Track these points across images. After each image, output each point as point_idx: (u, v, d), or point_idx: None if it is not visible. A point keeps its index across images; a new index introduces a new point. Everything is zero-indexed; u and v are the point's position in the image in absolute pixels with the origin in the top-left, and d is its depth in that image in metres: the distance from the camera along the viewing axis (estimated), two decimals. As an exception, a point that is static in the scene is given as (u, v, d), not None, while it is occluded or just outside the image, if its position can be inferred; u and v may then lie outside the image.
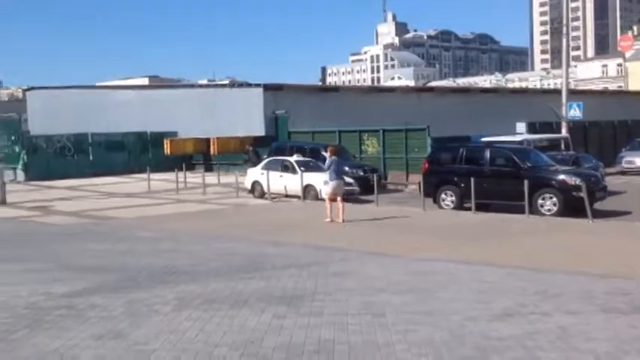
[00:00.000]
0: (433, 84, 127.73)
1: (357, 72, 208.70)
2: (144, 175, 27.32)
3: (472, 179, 17.65)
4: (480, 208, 17.82)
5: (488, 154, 19.53)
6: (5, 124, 26.78)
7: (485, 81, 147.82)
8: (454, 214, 18.17)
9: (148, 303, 8.34)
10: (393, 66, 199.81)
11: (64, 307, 8.16)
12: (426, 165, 20.72)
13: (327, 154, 18.21)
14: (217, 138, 34.01)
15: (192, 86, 53.59)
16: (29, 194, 25.39)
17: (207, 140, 34.57)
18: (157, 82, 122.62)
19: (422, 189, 20.09)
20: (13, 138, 31.80)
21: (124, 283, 9.69)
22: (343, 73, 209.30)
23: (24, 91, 61.02)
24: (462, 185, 18.78)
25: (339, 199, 16.67)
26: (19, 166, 31.72)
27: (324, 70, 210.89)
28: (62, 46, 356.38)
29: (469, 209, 17.98)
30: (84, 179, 30.16)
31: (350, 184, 22.26)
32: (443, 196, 19.55)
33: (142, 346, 6.51)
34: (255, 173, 24.06)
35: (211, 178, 28.47)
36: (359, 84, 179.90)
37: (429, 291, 8.97)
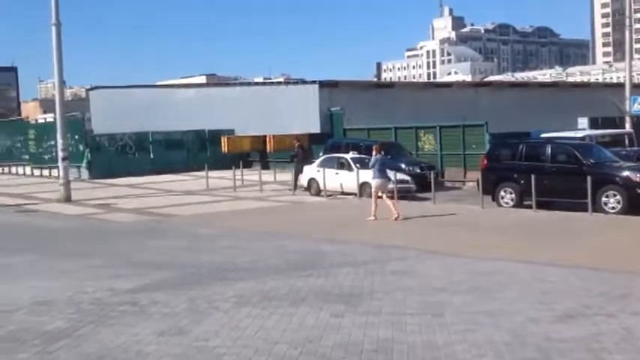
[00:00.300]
0: (491, 79, 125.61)
1: (413, 67, 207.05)
2: (202, 173, 27.75)
3: (533, 176, 17.29)
4: (541, 205, 17.45)
5: (549, 150, 19.09)
6: (70, 123, 27.52)
7: (544, 75, 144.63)
8: (514, 212, 17.83)
9: (209, 300, 8.47)
10: (449, 61, 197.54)
11: (127, 303, 8.37)
12: (485, 162, 20.38)
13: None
14: (273, 135, 34.24)
15: (248, 84, 54.11)
16: (92, 192, 26.11)
17: (264, 138, 34.83)
18: (215, 81, 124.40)
19: (480, 186, 19.78)
20: (77, 137, 32.74)
21: (184, 279, 9.87)
22: (399, 69, 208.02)
23: (87, 90, 62.73)
24: (522, 182, 18.42)
25: (384, 196, 16.74)
26: (83, 165, 32.63)
27: (379, 66, 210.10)
28: (124, 46, 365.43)
29: (529, 207, 17.63)
30: (144, 177, 30.81)
31: (406, 182, 22.12)
32: (502, 193, 19.22)
33: (203, 343, 6.62)
34: (311, 171, 24.14)
35: (268, 175, 28.71)
36: (415, 80, 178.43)
37: (489, 291, 8.84)
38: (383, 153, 17.71)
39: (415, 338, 6.66)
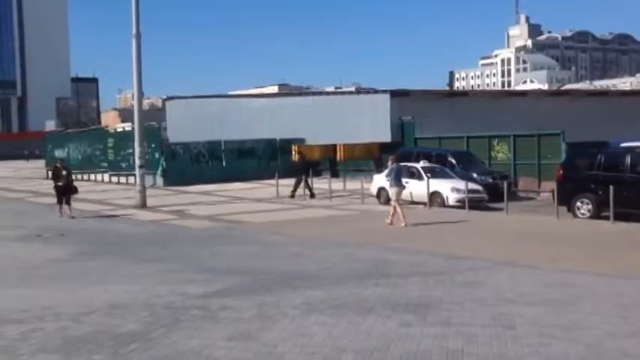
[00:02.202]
0: (568, 87, 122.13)
1: (487, 76, 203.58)
2: (273, 181, 28.05)
3: (611, 187, 16.69)
4: (620, 217, 16.80)
5: (629, 160, 18.37)
6: (147, 132, 28.38)
7: (624, 83, 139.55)
8: (591, 224, 17.24)
9: (278, 306, 8.54)
10: (525, 69, 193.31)
11: (198, 307, 8.53)
12: (561, 172, 19.80)
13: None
14: (344, 144, 34.33)
15: (320, 93, 54.47)
16: (167, 198, 26.78)
17: (334, 146, 34.97)
18: (286, 90, 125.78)
19: (556, 197, 19.21)
20: (153, 145, 33.69)
21: (254, 285, 9.99)
22: (472, 77, 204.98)
23: (163, 100, 64.53)
24: (600, 193, 17.80)
25: (393, 204, 17.62)
26: (159, 172, 33.55)
27: (451, 74, 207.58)
28: (200, 57, 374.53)
29: (607, 218, 17.01)
30: (217, 184, 31.40)
31: (478, 192, 21.75)
32: (578, 204, 18.61)
33: (271, 349, 6.67)
34: (380, 180, 24.04)
35: (337, 184, 28.75)
36: (489, 88, 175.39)
37: (562, 303, 8.57)
38: (398, 163, 18.88)
39: (486, 350, 6.51)
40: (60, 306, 8.71)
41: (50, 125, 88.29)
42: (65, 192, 21.03)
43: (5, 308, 8.59)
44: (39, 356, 6.53)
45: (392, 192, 17.96)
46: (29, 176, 48.59)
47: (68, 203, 20.94)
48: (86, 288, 10.07)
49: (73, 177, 23.55)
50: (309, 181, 25.77)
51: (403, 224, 17.06)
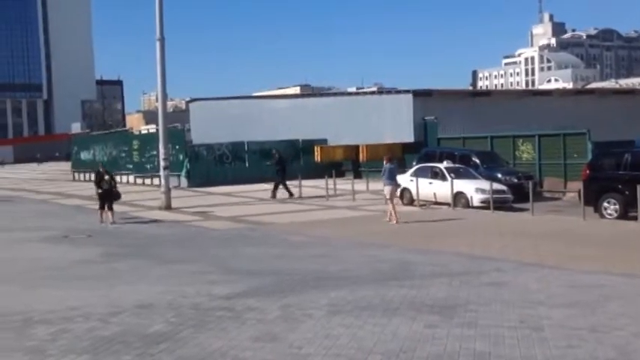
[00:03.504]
0: (593, 86, 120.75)
1: (511, 75, 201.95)
2: (295, 182, 28.10)
3: (638, 187, 16.46)
4: (647, 217, 16.57)
5: (656, 159, 18.12)
6: (171, 134, 28.59)
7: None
8: (618, 224, 17.03)
9: (302, 307, 8.55)
10: (549, 68, 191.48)
11: (224, 308, 8.58)
12: (587, 171, 19.58)
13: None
14: (366, 145, 34.29)
15: (341, 94, 54.47)
16: (191, 200, 26.96)
17: (356, 147, 34.94)
18: (308, 91, 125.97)
19: (582, 197, 19.00)
20: (177, 147, 33.94)
21: (278, 286, 10.02)
22: (495, 77, 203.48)
23: (187, 102, 64.99)
24: (627, 193, 17.56)
25: (393, 201, 18.53)
26: (183, 174, 33.80)
27: (474, 73, 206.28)
28: (222, 58, 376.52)
29: (634, 219, 16.79)
30: (240, 186, 31.53)
31: (502, 192, 21.59)
32: (605, 204, 18.39)
33: (296, 350, 6.69)
34: (404, 180, 23.99)
35: (360, 184, 28.72)
36: (512, 87, 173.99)
37: (589, 305, 8.47)
38: (393, 162, 19.53)
39: (513, 352, 6.47)
40: (88, 307, 8.82)
41: (76, 128, 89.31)
42: (108, 197, 20.20)
43: (34, 309, 8.71)
44: (68, 357, 6.61)
45: (386, 190, 18.57)
46: (55, 178, 49.23)
47: (110, 209, 20.02)
48: (113, 289, 10.17)
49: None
50: (284, 181, 26.82)
51: (394, 222, 17.75)
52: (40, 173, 58.17)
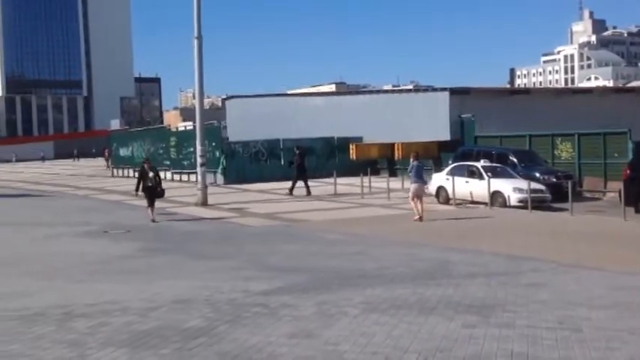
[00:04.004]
0: (634, 84, 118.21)
1: (549, 73, 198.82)
2: (330, 180, 28.12)
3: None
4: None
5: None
6: (207, 131, 28.83)
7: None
8: (660, 225, 16.67)
9: (337, 305, 8.56)
10: (589, 66, 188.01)
11: (260, 304, 8.63)
12: (628, 171, 19.24)
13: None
14: (402, 143, 34.10)
15: (377, 92, 54.28)
16: (227, 196, 27.17)
17: (392, 145, 34.78)
18: (344, 89, 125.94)
19: (622, 197, 18.64)
20: (213, 144, 34.23)
21: (314, 284, 10.04)
22: (534, 75, 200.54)
23: (223, 100, 65.48)
24: (670, 193, 17.19)
25: (422, 198, 18.52)
26: (219, 170, 34.07)
27: (512, 71, 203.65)
28: (258, 56, 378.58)
29: (678, 220, 16.41)
30: (275, 183, 31.64)
31: (541, 191, 21.30)
32: (646, 205, 18.02)
33: (332, 347, 6.69)
34: (440, 178, 23.84)
35: (395, 182, 28.57)
36: (551, 85, 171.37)
37: (630, 307, 8.32)
38: (419, 160, 19.43)
39: (552, 354, 6.38)
40: (126, 301, 8.96)
41: (115, 124, 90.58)
42: (152, 194, 19.54)
43: (74, 303, 8.88)
44: (107, 350, 6.72)
45: (413, 188, 18.53)
46: (94, 174, 50.08)
47: (151, 206, 19.49)
48: (151, 283, 10.31)
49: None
50: (305, 178, 27.11)
51: (417, 217, 17.94)
52: (80, 169, 59.24)
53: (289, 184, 27.30)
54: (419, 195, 18.42)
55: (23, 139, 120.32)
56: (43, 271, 11.66)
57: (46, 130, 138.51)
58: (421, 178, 18.92)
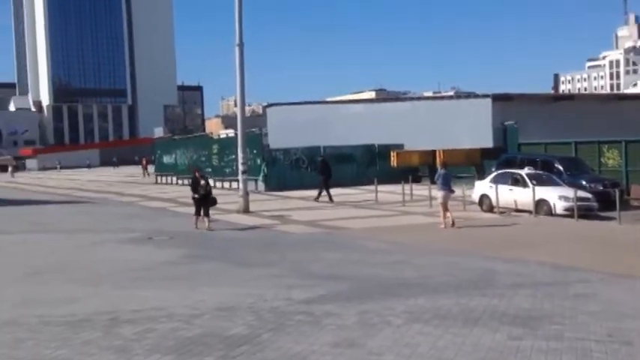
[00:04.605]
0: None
1: (594, 79, 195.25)
2: (371, 187, 28.00)
3: None
4: None
5: None
6: (249, 138, 29.04)
7: None
8: None
9: (380, 314, 8.49)
10: (634, 71, 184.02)
11: (302, 312, 8.62)
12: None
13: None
14: (443, 150, 33.80)
15: (417, 98, 54.01)
16: (268, 203, 27.28)
17: (433, 152, 34.50)
18: (383, 96, 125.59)
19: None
20: (255, 151, 34.45)
21: (356, 292, 9.99)
22: (578, 81, 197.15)
23: (264, 107, 65.94)
24: None
25: (447, 206, 18.77)
26: (260, 178, 34.27)
27: (556, 77, 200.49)
28: (299, 64, 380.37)
29: None
30: (316, 190, 31.64)
31: (587, 200, 20.85)
32: (698, 214, 17.49)
33: (376, 357, 6.64)
34: (483, 186, 23.54)
35: (437, 190, 28.32)
36: (596, 92, 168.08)
37: (685, 321, 8.06)
38: (447, 168, 19.67)
39: (602, 368, 6.22)
40: (171, 307, 9.04)
41: (158, 132, 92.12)
42: (204, 203, 19.31)
43: (119, 309, 9.00)
44: (153, 356, 6.79)
45: (440, 195, 18.90)
46: (138, 181, 50.88)
47: (207, 215, 19.16)
48: (194, 290, 10.40)
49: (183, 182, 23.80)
50: (327, 186, 27.87)
51: (442, 225, 18.34)
52: (124, 176, 60.25)
53: (330, 191, 27.45)
54: (445, 203, 18.73)
55: (70, 147, 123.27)
56: (88, 277, 11.86)
57: (92, 139, 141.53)
58: (448, 186, 19.13)
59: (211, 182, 37.42)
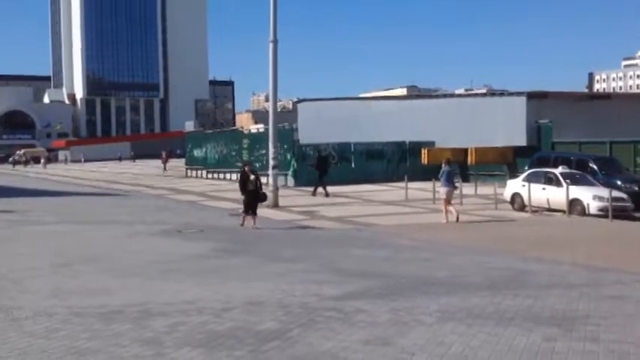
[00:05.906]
0: None
1: (630, 77, 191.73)
2: (401, 184, 27.84)
3: None
4: None
5: None
6: (280, 133, 29.06)
7: None
8: None
9: (412, 312, 8.40)
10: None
11: (333, 309, 8.56)
12: None
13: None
14: (475, 148, 33.47)
15: (450, 96, 53.53)
16: (298, 199, 27.30)
17: (465, 150, 34.18)
18: (415, 92, 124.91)
19: None
20: (285, 146, 34.49)
21: (387, 290, 9.90)
22: (614, 79, 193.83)
23: (294, 103, 66.00)
24: None
25: (450, 202, 19.38)
26: (290, 173, 34.29)
27: (591, 76, 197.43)
28: (330, 59, 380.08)
29: None
30: (346, 186, 31.61)
31: (622, 200, 20.47)
32: None
33: (408, 356, 6.55)
34: (515, 185, 23.26)
35: (468, 188, 28.11)
36: (632, 90, 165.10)
37: None
38: (450, 165, 20.43)
39: (640, 372, 6.06)
40: (201, 301, 9.05)
41: (189, 126, 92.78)
42: (254, 199, 18.21)
43: (152, 301, 9.04)
44: (184, 349, 6.79)
45: (442, 191, 19.35)
46: (168, 174, 51.33)
47: (254, 213, 18.15)
48: (225, 284, 10.40)
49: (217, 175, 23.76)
50: (323, 181, 28.57)
51: (444, 221, 18.79)
52: (155, 168, 60.77)
53: (360, 187, 27.42)
54: (448, 199, 19.22)
55: (102, 139, 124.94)
56: (120, 269, 11.94)
57: (123, 131, 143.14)
58: (451, 182, 19.66)
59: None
